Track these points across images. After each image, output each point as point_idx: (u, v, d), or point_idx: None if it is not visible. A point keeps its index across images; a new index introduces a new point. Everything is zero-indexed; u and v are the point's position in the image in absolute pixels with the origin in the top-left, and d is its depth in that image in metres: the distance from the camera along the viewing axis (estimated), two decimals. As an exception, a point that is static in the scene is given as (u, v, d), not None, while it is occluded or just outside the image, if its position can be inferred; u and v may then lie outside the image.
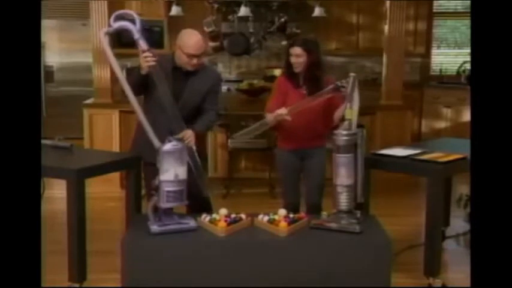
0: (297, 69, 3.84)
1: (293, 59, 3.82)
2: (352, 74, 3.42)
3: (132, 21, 3.33)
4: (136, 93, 3.45)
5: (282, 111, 3.66)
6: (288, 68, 3.91)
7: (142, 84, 3.52)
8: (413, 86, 8.28)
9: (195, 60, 3.58)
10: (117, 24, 3.31)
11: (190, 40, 3.55)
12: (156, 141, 3.24)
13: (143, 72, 3.43)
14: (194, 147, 3.56)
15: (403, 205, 5.57)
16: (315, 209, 3.79)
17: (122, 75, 3.28)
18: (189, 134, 3.53)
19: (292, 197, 3.97)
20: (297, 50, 3.80)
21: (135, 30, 3.31)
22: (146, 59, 3.36)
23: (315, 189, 3.95)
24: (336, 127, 3.55)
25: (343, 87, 3.46)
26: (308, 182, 3.97)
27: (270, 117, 3.75)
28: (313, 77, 3.83)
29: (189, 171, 3.46)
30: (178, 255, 3.13)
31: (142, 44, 3.35)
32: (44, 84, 8.55)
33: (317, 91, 3.69)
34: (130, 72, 3.71)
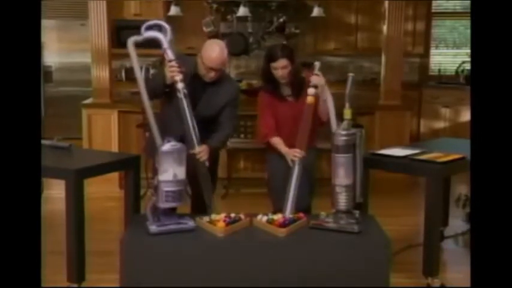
0: (284, 80, 3.74)
1: (279, 72, 3.69)
2: (350, 74, 3.43)
3: (163, 30, 3.38)
4: (154, 97, 3.50)
5: (298, 154, 3.56)
6: (270, 82, 3.79)
7: (163, 91, 3.54)
8: (412, 86, 8.29)
9: (212, 74, 3.56)
10: (147, 34, 3.35)
11: (213, 53, 3.51)
12: (159, 140, 3.25)
13: (168, 82, 3.46)
14: (207, 164, 3.54)
15: (402, 205, 5.58)
16: (304, 211, 3.65)
17: (143, 83, 3.32)
18: (202, 149, 3.49)
19: (281, 203, 3.66)
20: (282, 62, 3.67)
21: (165, 40, 3.36)
22: (171, 69, 3.38)
23: (305, 191, 3.81)
24: (326, 123, 3.58)
25: (317, 75, 3.55)
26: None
27: (286, 153, 3.67)
28: (298, 83, 3.76)
29: (195, 175, 3.48)
30: (177, 256, 3.13)
31: (170, 54, 3.38)
32: (42, 84, 8.53)
33: (302, 94, 3.67)
34: (154, 77, 3.73)
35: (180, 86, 3.39)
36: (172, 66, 3.38)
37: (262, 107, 3.87)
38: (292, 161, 3.61)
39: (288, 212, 3.46)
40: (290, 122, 3.75)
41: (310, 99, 3.56)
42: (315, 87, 3.57)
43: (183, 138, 3.36)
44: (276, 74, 3.73)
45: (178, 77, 3.38)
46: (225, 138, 3.81)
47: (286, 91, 3.82)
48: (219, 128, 3.70)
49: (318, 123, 3.76)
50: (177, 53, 3.46)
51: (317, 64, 3.64)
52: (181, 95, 3.39)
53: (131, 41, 3.34)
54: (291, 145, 3.69)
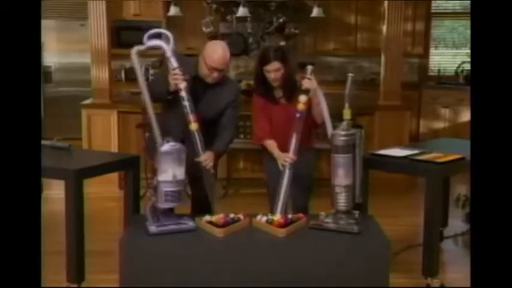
0: (276, 83, 3.70)
1: (272, 75, 3.65)
2: (350, 74, 3.43)
3: (165, 38, 3.41)
4: (156, 102, 3.50)
5: (289, 159, 3.51)
6: (262, 85, 3.76)
7: (166, 97, 3.54)
8: (412, 87, 8.29)
9: (215, 74, 3.55)
10: (150, 43, 3.37)
11: (215, 53, 3.50)
12: (160, 140, 3.25)
13: (171, 89, 3.45)
14: (212, 171, 3.54)
15: (402, 205, 5.58)
16: (301, 211, 3.65)
17: (146, 92, 3.33)
18: (207, 156, 3.48)
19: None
20: (275, 65, 3.61)
21: (168, 49, 3.39)
22: (175, 77, 3.38)
23: (302, 191, 3.84)
24: (321, 125, 3.55)
25: (309, 78, 3.50)
26: (295, 184, 3.68)
27: (278, 156, 3.64)
28: (291, 86, 3.70)
29: (199, 178, 3.48)
30: (176, 256, 3.13)
31: (173, 62, 3.39)
32: (42, 85, 8.53)
33: (295, 97, 3.62)
34: (156, 82, 3.80)
35: (183, 94, 3.39)
36: (176, 74, 3.38)
37: (257, 110, 3.85)
38: (283, 165, 3.58)
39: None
40: (284, 124, 3.70)
41: (301, 106, 3.50)
42: (307, 91, 3.51)
43: (182, 140, 3.35)
44: (268, 77, 3.69)
45: (182, 85, 3.38)
46: (229, 141, 3.77)
47: (279, 93, 3.78)
48: (220, 130, 3.68)
49: (313, 125, 3.75)
50: (176, 54, 3.46)
51: (309, 68, 3.57)
52: (185, 103, 3.39)
53: (134, 50, 3.38)
54: (285, 147, 3.64)
